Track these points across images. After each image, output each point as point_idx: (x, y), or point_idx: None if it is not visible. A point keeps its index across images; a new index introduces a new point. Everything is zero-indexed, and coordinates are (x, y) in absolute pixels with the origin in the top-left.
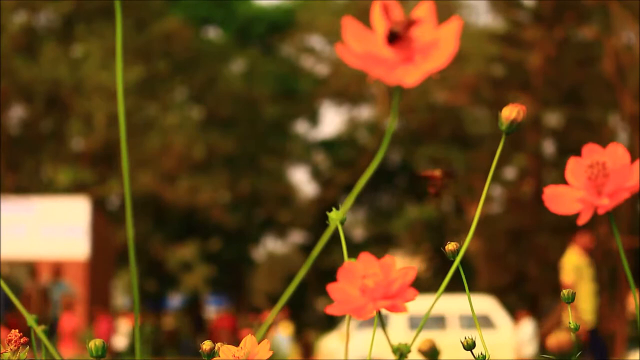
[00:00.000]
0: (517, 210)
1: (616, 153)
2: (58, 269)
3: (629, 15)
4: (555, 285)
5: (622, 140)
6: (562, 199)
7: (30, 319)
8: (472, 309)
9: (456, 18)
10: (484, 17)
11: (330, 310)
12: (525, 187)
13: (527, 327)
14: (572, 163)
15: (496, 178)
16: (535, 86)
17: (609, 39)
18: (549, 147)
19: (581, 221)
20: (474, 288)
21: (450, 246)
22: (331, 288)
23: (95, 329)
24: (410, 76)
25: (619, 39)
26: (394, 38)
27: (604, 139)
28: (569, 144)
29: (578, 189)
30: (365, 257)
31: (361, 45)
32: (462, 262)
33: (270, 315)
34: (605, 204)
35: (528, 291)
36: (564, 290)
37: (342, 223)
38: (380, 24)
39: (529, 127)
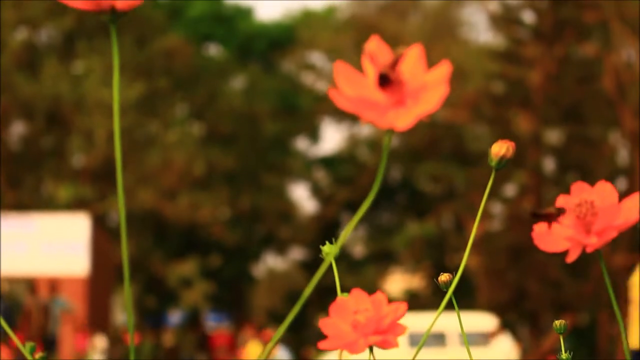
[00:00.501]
0: (517, 227)
1: (604, 191)
2: (57, 286)
3: (629, 32)
4: (555, 303)
5: (622, 157)
6: (550, 237)
7: (25, 350)
8: (462, 328)
9: (446, 62)
10: (485, 34)
11: (323, 345)
12: (525, 204)
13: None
14: (561, 201)
15: (496, 195)
16: (535, 103)
17: (609, 56)
18: (549, 164)
19: (570, 259)
20: (475, 305)
21: (443, 277)
22: (323, 323)
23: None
24: (402, 120)
25: (619, 56)
26: (384, 82)
27: (604, 156)
28: (569, 161)
29: (567, 227)
30: (357, 292)
31: (353, 89)
32: (462, 279)
33: (275, 336)
34: (594, 242)
35: (528, 308)
36: (556, 322)
37: (336, 258)
38: (371, 68)
39: (529, 144)
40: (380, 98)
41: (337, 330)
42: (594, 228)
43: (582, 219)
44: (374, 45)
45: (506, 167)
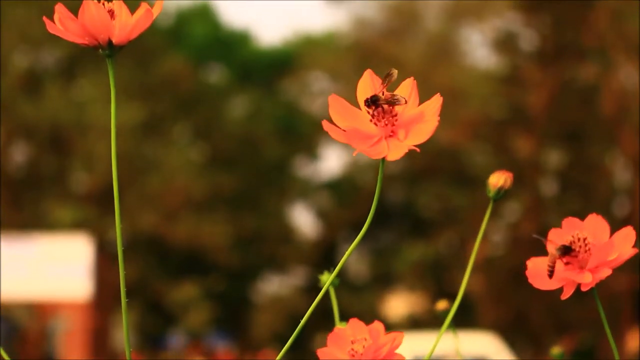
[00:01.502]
0: (518, 249)
1: (596, 226)
2: (57, 309)
3: (630, 54)
4: (557, 324)
5: (623, 180)
6: (544, 274)
7: None
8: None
9: (437, 95)
10: (486, 57)
11: None
12: (526, 227)
13: None
14: (553, 235)
15: (498, 216)
16: (536, 125)
17: (609, 78)
18: (550, 187)
19: (564, 296)
20: (477, 327)
21: (441, 305)
22: (321, 352)
23: None
24: (393, 152)
25: (619, 79)
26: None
27: (605, 179)
28: (570, 183)
29: (560, 264)
30: (354, 322)
31: (346, 122)
32: (464, 301)
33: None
34: (588, 281)
35: (530, 331)
36: (553, 348)
37: (334, 285)
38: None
39: (530, 167)
40: (372, 130)
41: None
42: (588, 265)
43: (576, 256)
44: (367, 80)
45: (504, 197)
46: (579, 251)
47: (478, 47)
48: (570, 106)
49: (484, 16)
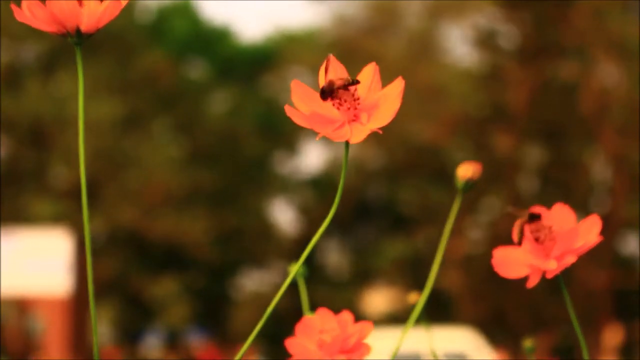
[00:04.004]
0: (497, 246)
1: (562, 215)
2: (35, 304)
3: (610, 52)
4: (535, 322)
5: (604, 177)
6: (511, 263)
7: None
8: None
9: (400, 79)
10: (467, 55)
11: None
12: (505, 224)
13: None
14: (518, 225)
15: (477, 212)
16: (516, 123)
17: (590, 76)
18: (530, 184)
19: (530, 285)
20: (455, 321)
21: (413, 298)
22: (289, 343)
23: None
24: (356, 135)
25: (599, 77)
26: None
27: (586, 177)
28: (550, 181)
29: (526, 252)
30: (323, 312)
31: (308, 106)
32: (443, 298)
33: (243, 348)
34: (553, 267)
35: (509, 327)
36: (525, 342)
37: (303, 275)
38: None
39: (510, 164)
40: (335, 114)
41: (302, 350)
42: (552, 253)
43: (541, 243)
44: (329, 63)
45: (473, 189)
46: (544, 239)
47: (459, 45)
48: (551, 104)
49: (464, 14)
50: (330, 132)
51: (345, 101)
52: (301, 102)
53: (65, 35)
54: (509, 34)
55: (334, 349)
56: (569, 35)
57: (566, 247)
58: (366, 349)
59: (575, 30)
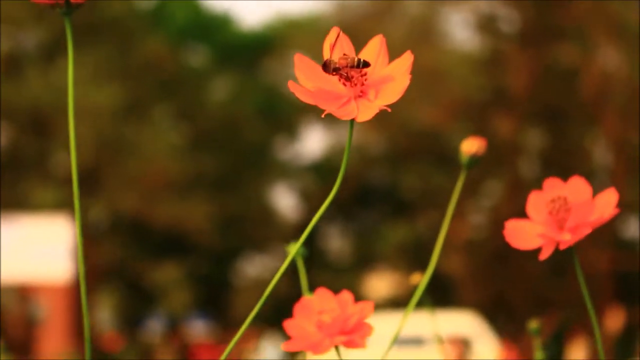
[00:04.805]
0: (499, 230)
1: (578, 187)
2: (38, 290)
3: (611, 36)
4: (539, 303)
5: (604, 161)
6: (523, 234)
7: None
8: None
9: (408, 53)
10: (467, 38)
11: (287, 347)
12: (507, 208)
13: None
14: (534, 197)
15: (479, 199)
16: (517, 107)
17: (591, 60)
18: (531, 168)
19: (542, 256)
20: (457, 304)
21: (415, 278)
22: (288, 324)
23: None
24: (363, 113)
25: (600, 61)
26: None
27: (587, 161)
28: (550, 165)
29: (539, 224)
30: (322, 292)
31: (313, 82)
32: (445, 282)
33: (240, 330)
34: (567, 239)
35: (512, 311)
36: (531, 323)
37: (303, 256)
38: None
39: (511, 148)
40: (341, 90)
41: (301, 331)
42: (567, 225)
43: (555, 215)
44: (334, 37)
45: (478, 165)
46: (559, 210)
47: (460, 29)
48: (551, 88)
49: None
50: (336, 110)
51: (352, 76)
52: (305, 77)
53: (54, 4)
54: (509, 18)
55: (334, 329)
56: (569, 19)
57: (581, 219)
58: (368, 329)
59: (576, 14)
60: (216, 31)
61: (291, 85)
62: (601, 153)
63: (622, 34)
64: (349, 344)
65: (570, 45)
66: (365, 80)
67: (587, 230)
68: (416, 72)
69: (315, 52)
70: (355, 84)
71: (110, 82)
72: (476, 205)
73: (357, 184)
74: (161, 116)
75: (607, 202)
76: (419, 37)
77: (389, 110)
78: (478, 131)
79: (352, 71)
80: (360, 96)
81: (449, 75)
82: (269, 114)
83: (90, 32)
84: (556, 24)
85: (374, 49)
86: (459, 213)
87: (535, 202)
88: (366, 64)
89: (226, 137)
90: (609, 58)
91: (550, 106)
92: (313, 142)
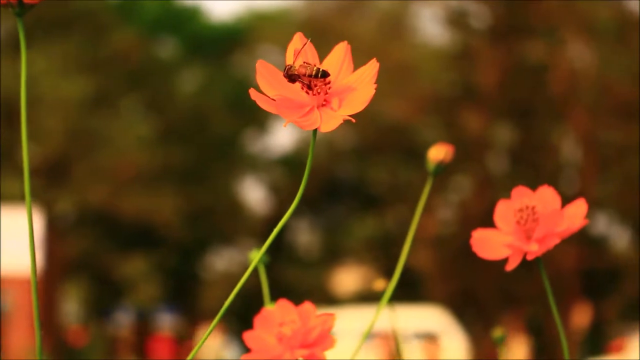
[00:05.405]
0: (467, 226)
1: (547, 197)
2: (4, 283)
3: (580, 32)
4: (506, 298)
5: (573, 157)
6: (490, 244)
7: None
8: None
9: (374, 61)
10: (437, 33)
11: (246, 358)
12: (476, 203)
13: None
14: (501, 206)
15: (448, 194)
16: (486, 102)
17: (560, 56)
18: (500, 163)
19: (509, 267)
20: (425, 299)
21: (379, 285)
22: (247, 336)
23: None
24: (326, 123)
25: (569, 57)
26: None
27: (555, 157)
28: (519, 160)
29: (507, 234)
30: (283, 303)
31: (275, 89)
32: (413, 277)
33: (211, 326)
34: (535, 250)
35: (479, 306)
36: (495, 331)
37: (264, 263)
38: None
39: (480, 143)
40: (304, 99)
41: (261, 343)
42: (535, 235)
43: (523, 225)
44: (297, 43)
45: (445, 171)
46: (527, 220)
47: (430, 24)
48: (521, 84)
49: None
50: (298, 119)
51: (315, 85)
52: (267, 84)
53: (6, 4)
54: (479, 14)
55: (295, 342)
56: (539, 15)
57: (549, 229)
58: (330, 342)
59: (545, 11)
60: (186, 23)
61: (252, 93)
62: (570, 149)
63: (592, 30)
64: (310, 357)
65: (539, 41)
66: (329, 88)
67: (555, 241)
68: (386, 66)
69: (284, 45)
70: (319, 93)
71: (80, 74)
72: (445, 200)
73: (325, 178)
74: (130, 108)
75: (577, 213)
76: (389, 32)
77: (354, 120)
78: (447, 126)
79: (315, 79)
80: (323, 105)
81: (418, 70)
82: (239, 107)
83: (60, 23)
84: (526, 20)
85: (339, 55)
86: (427, 208)
87: (503, 211)
88: (325, 74)
89: (195, 130)
90: (578, 54)
91: (519, 102)
92: (282, 135)
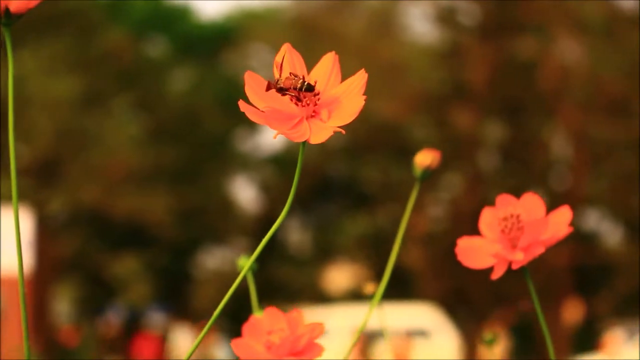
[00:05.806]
0: (458, 223)
1: (531, 204)
2: None
3: (570, 29)
4: (498, 297)
5: (564, 154)
6: (475, 252)
7: None
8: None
9: (362, 72)
10: (427, 30)
11: None
12: (466, 201)
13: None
14: (486, 214)
15: (439, 192)
16: (477, 100)
17: (550, 53)
18: (490, 161)
19: (495, 276)
20: (416, 297)
21: (369, 288)
22: (236, 344)
23: None
24: (316, 134)
25: (559, 54)
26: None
27: (546, 153)
28: (510, 158)
29: (492, 242)
30: (272, 311)
31: (263, 100)
32: (404, 276)
33: (206, 327)
34: (520, 259)
35: (471, 304)
36: (486, 334)
37: (253, 270)
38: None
39: (470, 141)
40: (293, 110)
41: (250, 351)
42: (520, 243)
43: (508, 233)
44: (283, 54)
45: (430, 177)
46: (511, 228)
47: (419, 22)
48: (511, 81)
49: None
50: (287, 131)
51: (304, 96)
52: (255, 95)
53: None
54: (469, 11)
55: (283, 350)
56: (529, 12)
57: (534, 237)
58: (318, 350)
59: (536, 8)
60: (176, 22)
61: (242, 105)
62: (560, 146)
63: (582, 27)
64: None
65: (529, 38)
66: (318, 100)
67: (541, 250)
68: (376, 65)
69: (274, 44)
70: (308, 104)
71: (70, 73)
72: (435, 198)
73: (316, 177)
74: (121, 107)
75: (561, 220)
76: (379, 30)
77: (343, 132)
78: (437, 124)
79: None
80: (312, 116)
81: (408, 68)
82: (229, 106)
83: (50, 23)
84: (516, 17)
85: (327, 65)
86: (418, 206)
87: (488, 219)
88: (310, 88)
89: (186, 129)
90: (568, 51)
91: (510, 99)
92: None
